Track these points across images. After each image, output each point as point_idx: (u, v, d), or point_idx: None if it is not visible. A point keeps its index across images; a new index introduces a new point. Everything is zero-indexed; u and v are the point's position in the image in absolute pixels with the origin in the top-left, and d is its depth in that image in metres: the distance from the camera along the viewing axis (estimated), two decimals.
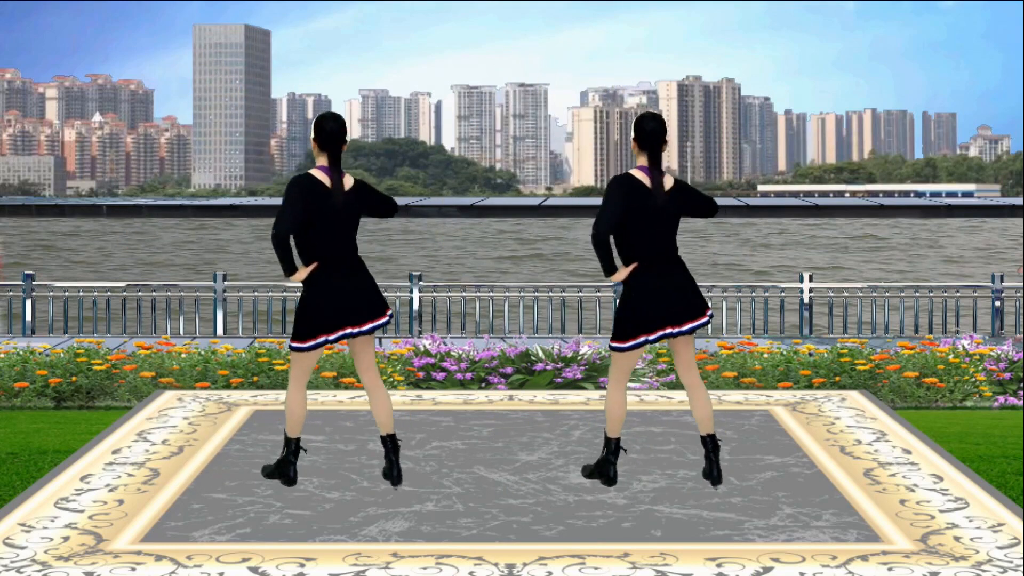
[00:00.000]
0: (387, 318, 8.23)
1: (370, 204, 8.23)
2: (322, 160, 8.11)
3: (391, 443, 8.25)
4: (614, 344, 8.16)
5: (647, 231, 8.06)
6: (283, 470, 8.37)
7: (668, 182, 8.10)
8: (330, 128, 8.07)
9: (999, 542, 7.07)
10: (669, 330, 8.08)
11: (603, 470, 8.33)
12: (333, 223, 8.05)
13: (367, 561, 6.73)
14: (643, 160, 8.11)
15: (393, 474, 8.23)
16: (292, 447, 8.37)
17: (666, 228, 8.10)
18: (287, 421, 8.33)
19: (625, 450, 8.54)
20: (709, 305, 8.29)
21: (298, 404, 8.29)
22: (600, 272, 8.29)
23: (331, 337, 8.12)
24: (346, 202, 8.06)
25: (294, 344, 8.15)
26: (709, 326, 8.44)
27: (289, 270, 8.06)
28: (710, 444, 8.22)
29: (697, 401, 8.22)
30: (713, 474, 8.19)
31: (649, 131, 8.07)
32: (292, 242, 8.05)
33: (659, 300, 8.07)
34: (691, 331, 8.14)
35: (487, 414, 10.83)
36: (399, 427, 10.20)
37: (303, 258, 8.12)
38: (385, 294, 18.08)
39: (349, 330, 8.12)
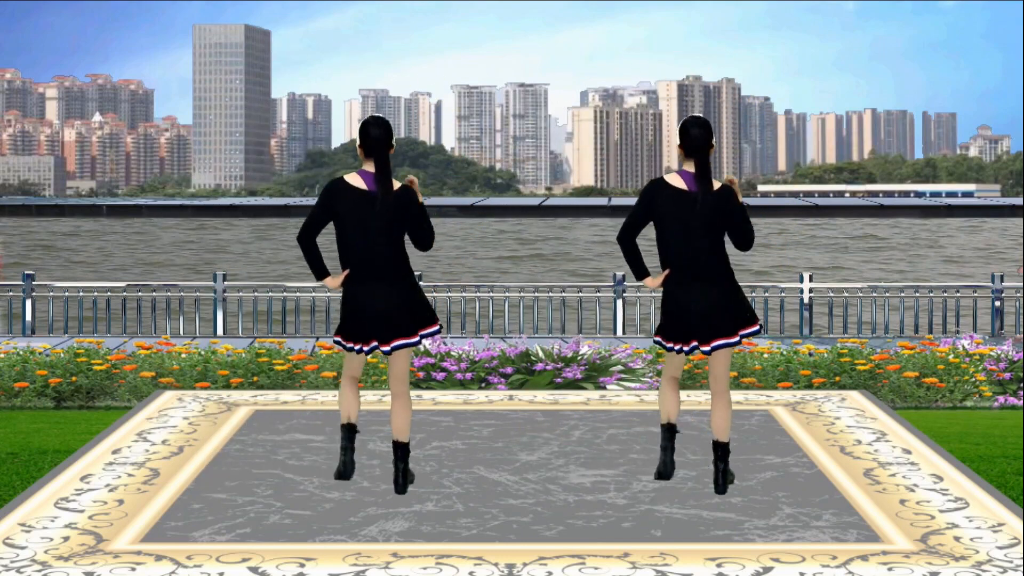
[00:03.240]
0: (400, 342, 8.01)
1: (408, 216, 8.04)
2: (368, 165, 8.01)
3: (400, 451, 8.13)
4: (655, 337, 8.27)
5: (674, 238, 7.99)
6: (341, 457, 8.35)
7: (713, 187, 7.97)
8: (374, 135, 7.99)
9: (999, 542, 7.07)
10: (694, 344, 8.06)
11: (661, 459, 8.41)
12: (358, 229, 7.95)
13: (367, 561, 6.73)
14: (688, 165, 8.01)
15: (399, 481, 8.12)
16: (343, 432, 8.30)
17: (698, 236, 7.96)
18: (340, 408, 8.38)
19: (679, 432, 8.53)
20: (755, 320, 8.11)
21: (343, 398, 8.28)
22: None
23: (347, 345, 8.12)
24: (381, 209, 7.93)
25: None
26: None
27: (317, 274, 8.10)
28: (719, 452, 8.13)
29: (716, 410, 8.13)
30: (718, 482, 8.12)
31: (693, 136, 7.97)
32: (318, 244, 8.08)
33: (682, 314, 8.04)
34: (712, 351, 8.06)
35: (487, 414, 10.83)
36: None
37: (340, 263, 8.11)
38: None
39: (359, 346, 8.09)
